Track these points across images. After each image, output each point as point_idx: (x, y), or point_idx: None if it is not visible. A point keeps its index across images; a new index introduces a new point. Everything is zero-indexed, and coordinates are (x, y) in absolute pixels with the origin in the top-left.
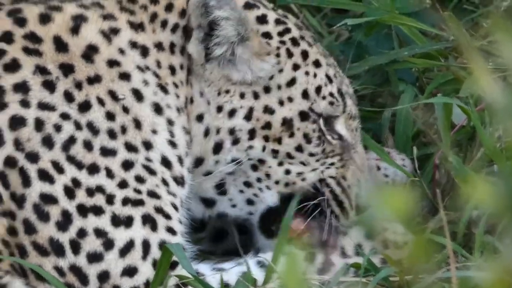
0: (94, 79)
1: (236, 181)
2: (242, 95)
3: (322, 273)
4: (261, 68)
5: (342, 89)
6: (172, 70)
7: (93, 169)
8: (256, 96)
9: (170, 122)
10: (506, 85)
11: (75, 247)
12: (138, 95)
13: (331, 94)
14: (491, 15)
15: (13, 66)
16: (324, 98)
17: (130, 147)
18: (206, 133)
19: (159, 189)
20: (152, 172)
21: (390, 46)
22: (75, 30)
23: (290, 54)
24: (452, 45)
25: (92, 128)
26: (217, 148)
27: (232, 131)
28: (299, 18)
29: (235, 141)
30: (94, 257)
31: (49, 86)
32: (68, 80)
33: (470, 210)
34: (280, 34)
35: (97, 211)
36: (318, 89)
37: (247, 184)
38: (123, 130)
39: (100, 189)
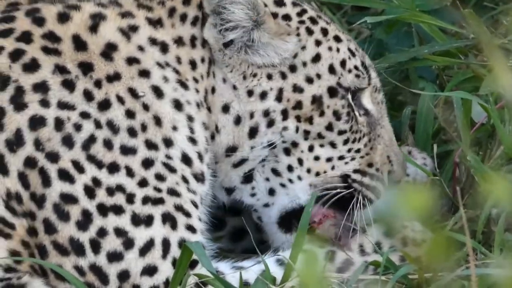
0: (114, 77)
1: (264, 168)
2: (269, 77)
3: (342, 272)
4: (285, 48)
5: (365, 62)
6: (193, 64)
7: (113, 168)
8: (283, 76)
9: (190, 119)
10: None
11: (95, 247)
12: (158, 92)
13: (356, 67)
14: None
15: (32, 66)
16: (350, 71)
17: (150, 145)
18: (237, 120)
19: (179, 186)
20: (172, 169)
21: (410, 44)
22: (93, 28)
23: (310, 32)
24: (472, 42)
25: (112, 127)
26: (253, 132)
27: (266, 113)
28: None
29: (270, 123)
30: (114, 257)
31: (69, 85)
32: (88, 79)
33: (489, 208)
34: (299, 14)
35: (117, 210)
36: (343, 63)
37: (276, 172)
38: (143, 127)
39: (120, 188)
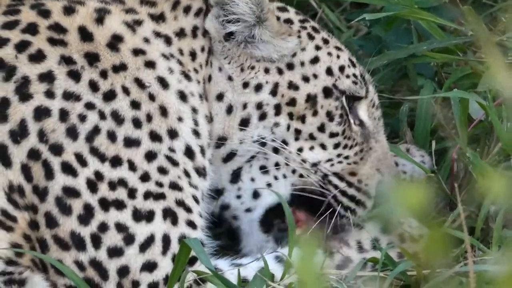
0: (120, 68)
1: (252, 167)
2: (266, 71)
3: (341, 269)
4: (285, 47)
5: (365, 76)
6: (193, 55)
7: (115, 161)
8: (280, 72)
9: (194, 110)
10: None
11: (96, 242)
12: (163, 83)
13: (354, 75)
14: (510, 10)
15: (38, 57)
16: (348, 77)
17: (155, 136)
18: (229, 110)
19: (181, 180)
20: (174, 163)
21: (409, 41)
22: (99, 20)
23: (311, 37)
24: (471, 39)
25: (117, 118)
26: (244, 123)
27: (259, 105)
28: (318, 13)
29: (262, 116)
30: (115, 252)
31: (74, 75)
32: (93, 69)
33: (487, 205)
34: (301, 21)
35: (119, 205)
36: (342, 68)
37: (263, 170)
38: (149, 118)
39: (122, 182)
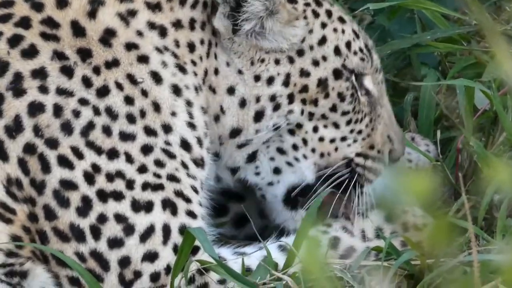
0: (112, 63)
1: (269, 148)
2: (277, 62)
3: (345, 259)
4: (294, 34)
5: (368, 43)
6: (191, 47)
7: (112, 154)
8: (291, 60)
9: (188, 103)
10: None
11: (96, 233)
12: (156, 78)
13: (360, 50)
14: None
15: (31, 52)
16: (355, 53)
17: (150, 131)
18: (242, 103)
19: (178, 172)
20: (171, 155)
21: (413, 30)
22: (92, 14)
23: (316, 14)
24: (475, 29)
25: (111, 113)
26: (258, 116)
27: (273, 98)
28: None
29: (276, 107)
30: (115, 243)
31: (67, 71)
32: (86, 65)
33: (492, 194)
34: None
35: (117, 196)
36: (348, 44)
37: (281, 151)
38: (142, 114)
39: (120, 174)
